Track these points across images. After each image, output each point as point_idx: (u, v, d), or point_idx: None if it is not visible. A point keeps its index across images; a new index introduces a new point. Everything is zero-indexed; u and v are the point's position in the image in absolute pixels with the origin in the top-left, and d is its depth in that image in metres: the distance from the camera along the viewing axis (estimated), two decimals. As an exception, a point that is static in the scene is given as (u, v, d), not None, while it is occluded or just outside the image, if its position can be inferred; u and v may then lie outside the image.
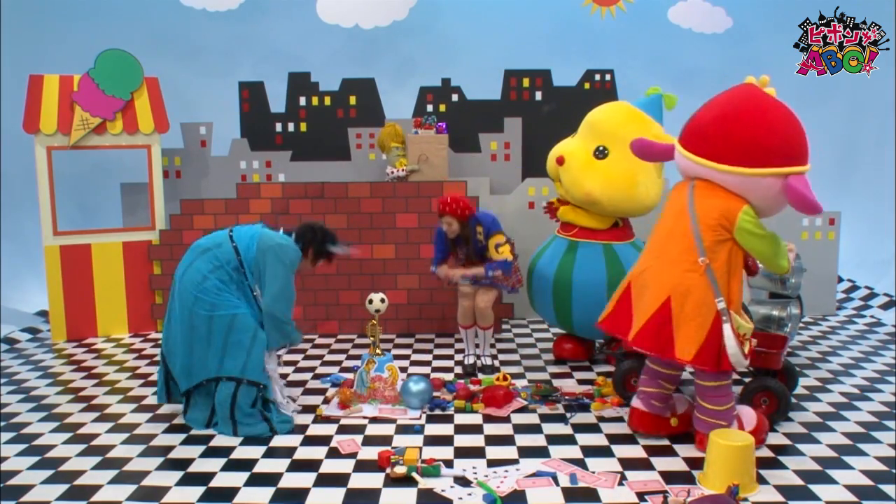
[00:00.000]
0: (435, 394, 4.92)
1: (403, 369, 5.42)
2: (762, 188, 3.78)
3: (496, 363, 5.66)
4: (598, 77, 7.80)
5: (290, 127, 7.83)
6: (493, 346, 5.99)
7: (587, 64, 7.86)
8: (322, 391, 5.07)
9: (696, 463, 3.83)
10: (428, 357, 5.91)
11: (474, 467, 3.80)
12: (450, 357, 5.90)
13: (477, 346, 5.61)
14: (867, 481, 3.65)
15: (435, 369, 5.57)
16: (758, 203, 3.83)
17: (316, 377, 5.39)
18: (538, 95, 7.81)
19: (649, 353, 3.93)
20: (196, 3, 8.26)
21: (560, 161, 5.39)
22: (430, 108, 7.82)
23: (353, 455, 3.99)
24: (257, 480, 3.72)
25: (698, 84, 8.73)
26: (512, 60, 7.96)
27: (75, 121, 6.33)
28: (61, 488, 3.65)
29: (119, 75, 6.42)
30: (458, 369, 5.55)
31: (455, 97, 7.83)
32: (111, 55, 6.42)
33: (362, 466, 3.84)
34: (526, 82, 7.81)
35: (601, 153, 5.28)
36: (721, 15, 8.47)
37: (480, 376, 5.30)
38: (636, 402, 4.22)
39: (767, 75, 3.86)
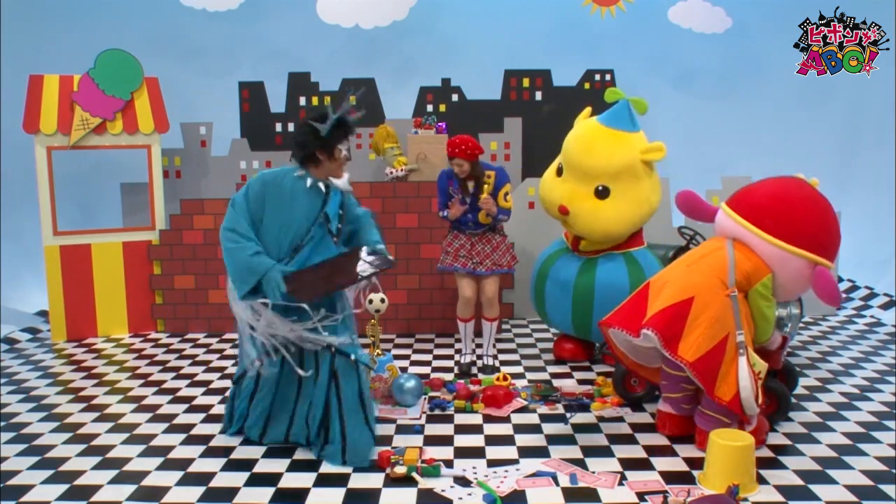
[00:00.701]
0: (435, 394, 4.92)
1: (404, 369, 5.42)
2: (792, 268, 4.01)
3: (497, 363, 5.66)
4: (598, 77, 7.80)
5: (290, 127, 7.82)
6: (494, 345, 5.98)
7: (587, 64, 7.86)
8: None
9: (696, 463, 3.83)
10: (428, 357, 5.91)
11: (474, 467, 3.80)
12: (450, 357, 5.89)
13: (479, 345, 5.58)
14: (867, 481, 3.65)
15: (435, 369, 5.57)
16: (782, 279, 4.05)
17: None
18: (538, 95, 7.81)
19: (658, 333, 3.86)
20: (196, 3, 8.24)
21: (564, 212, 5.29)
22: (430, 108, 7.82)
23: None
24: (257, 481, 3.72)
25: (698, 84, 8.78)
26: (512, 60, 7.96)
27: (75, 121, 6.33)
28: (61, 488, 3.65)
29: (119, 75, 6.42)
30: (457, 369, 5.54)
31: (455, 97, 7.83)
32: (111, 55, 6.42)
33: (362, 467, 3.84)
34: (526, 82, 7.81)
35: (603, 193, 5.22)
36: (721, 15, 8.45)
37: (480, 376, 5.30)
38: (664, 407, 4.23)
39: (816, 178, 4.15)
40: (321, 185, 3.83)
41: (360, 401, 3.90)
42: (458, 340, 6.32)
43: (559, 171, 5.44)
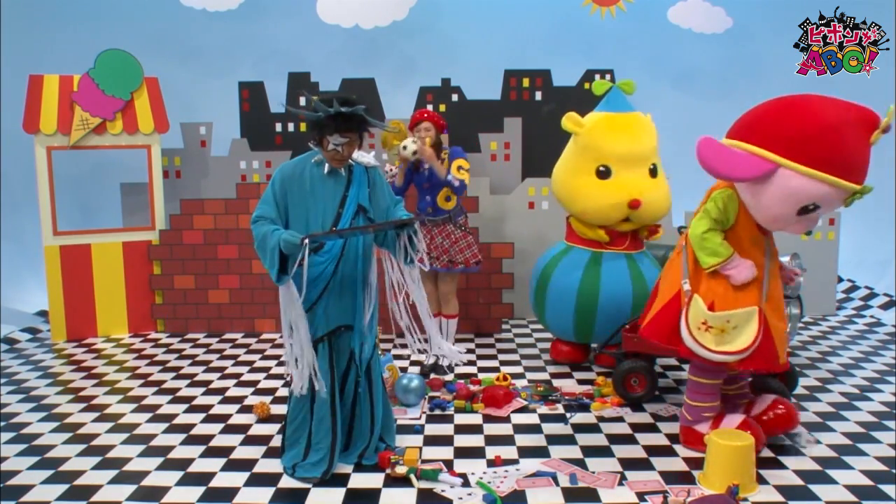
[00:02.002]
0: (435, 394, 4.92)
1: (404, 369, 5.42)
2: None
3: (454, 364, 5.46)
4: (597, 77, 7.78)
5: (290, 127, 7.83)
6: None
7: (587, 64, 7.85)
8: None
9: (696, 463, 3.83)
10: (428, 357, 5.91)
11: (473, 473, 3.80)
12: (450, 357, 5.88)
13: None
14: (867, 481, 3.65)
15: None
16: (748, 199, 3.65)
17: (316, 377, 5.38)
18: (538, 95, 7.80)
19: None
20: (196, 2, 8.23)
21: (637, 205, 5.07)
22: (430, 107, 7.82)
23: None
24: (257, 480, 3.72)
25: (698, 84, 8.78)
26: (512, 60, 7.95)
27: (75, 121, 6.33)
28: (61, 488, 3.65)
29: (119, 75, 6.42)
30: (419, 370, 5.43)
31: (455, 97, 7.82)
32: (111, 55, 6.42)
33: (362, 467, 3.84)
34: (526, 82, 7.80)
35: (654, 171, 5.25)
36: (721, 15, 8.45)
37: (443, 377, 5.25)
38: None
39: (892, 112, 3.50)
40: (341, 170, 3.69)
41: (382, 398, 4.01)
42: (459, 341, 6.32)
43: (603, 175, 5.19)
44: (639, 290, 5.20)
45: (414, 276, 3.77)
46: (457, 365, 5.50)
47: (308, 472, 3.72)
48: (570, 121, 5.28)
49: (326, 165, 3.65)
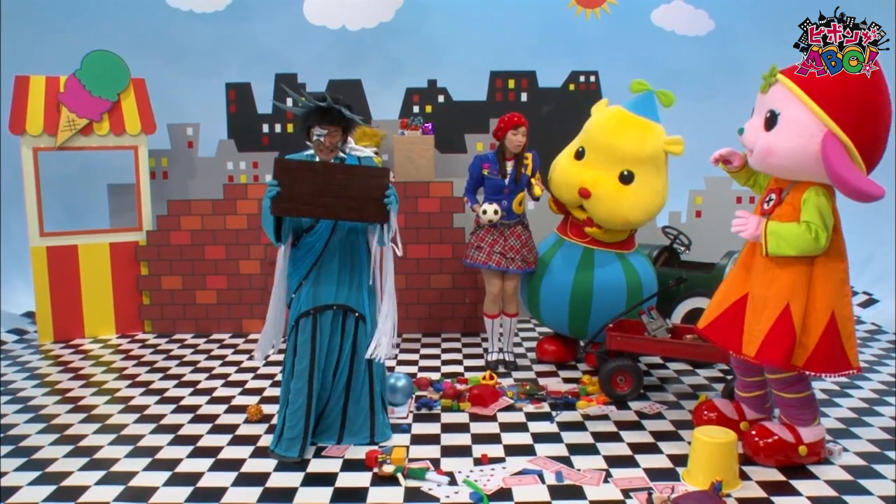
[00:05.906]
0: (422, 393, 4.96)
1: (391, 369, 5.45)
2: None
3: (516, 360, 5.67)
4: (582, 78, 7.84)
5: (277, 128, 7.84)
6: (518, 344, 6.16)
7: (572, 65, 7.90)
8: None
9: (680, 460, 3.88)
10: (415, 357, 5.94)
11: (460, 471, 3.83)
12: (436, 356, 5.93)
13: (500, 342, 5.66)
14: (847, 476, 3.72)
15: (422, 368, 5.60)
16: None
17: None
18: (524, 97, 7.85)
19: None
20: (182, 4, 8.24)
21: (586, 194, 5.10)
22: (416, 108, 7.84)
23: (340, 455, 4.02)
24: (245, 480, 3.74)
25: (681, 85, 8.81)
26: (498, 62, 7.99)
27: (62, 122, 6.31)
28: (48, 489, 3.65)
29: (106, 76, 6.41)
30: (467, 363, 5.57)
31: (441, 98, 7.85)
32: (98, 56, 6.41)
33: (350, 466, 3.87)
34: (511, 83, 7.84)
35: (627, 178, 5.10)
36: (703, 17, 8.54)
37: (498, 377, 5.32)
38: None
39: None
40: (331, 161, 3.98)
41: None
42: (447, 340, 6.36)
43: (578, 156, 5.26)
44: (633, 287, 5.28)
45: (387, 257, 4.08)
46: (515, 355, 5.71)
47: (285, 451, 3.95)
48: (596, 106, 5.41)
49: (318, 157, 3.98)
